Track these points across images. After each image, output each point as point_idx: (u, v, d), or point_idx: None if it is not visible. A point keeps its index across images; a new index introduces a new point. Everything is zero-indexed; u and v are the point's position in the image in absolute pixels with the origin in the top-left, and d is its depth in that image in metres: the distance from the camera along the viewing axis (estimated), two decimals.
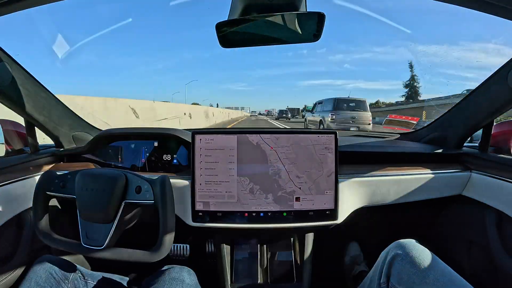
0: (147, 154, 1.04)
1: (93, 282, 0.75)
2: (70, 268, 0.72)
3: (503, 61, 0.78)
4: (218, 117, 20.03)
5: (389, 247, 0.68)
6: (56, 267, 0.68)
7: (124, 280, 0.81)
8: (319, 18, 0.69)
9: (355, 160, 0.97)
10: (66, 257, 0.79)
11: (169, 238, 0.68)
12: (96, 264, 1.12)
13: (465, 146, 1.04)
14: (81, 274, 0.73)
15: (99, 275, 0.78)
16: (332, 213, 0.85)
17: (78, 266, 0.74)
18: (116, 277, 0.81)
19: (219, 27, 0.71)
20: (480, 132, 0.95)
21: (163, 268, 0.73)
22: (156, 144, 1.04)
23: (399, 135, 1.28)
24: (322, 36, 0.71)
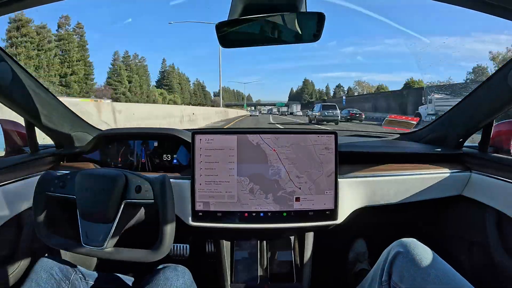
0: (147, 154, 1.04)
1: (94, 282, 0.75)
2: (70, 268, 0.72)
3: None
4: None
5: (390, 246, 0.68)
6: (56, 268, 0.68)
7: (124, 279, 0.81)
8: (319, 18, 0.69)
9: (355, 160, 0.97)
10: (66, 258, 0.79)
11: (169, 237, 0.68)
12: (97, 264, 1.12)
13: (465, 146, 1.04)
14: (82, 274, 0.73)
15: (100, 275, 0.78)
16: (332, 213, 0.85)
17: (78, 266, 0.74)
18: (116, 276, 0.81)
19: (219, 27, 0.71)
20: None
21: (159, 267, 0.73)
22: (156, 144, 1.04)
23: (399, 135, 1.28)
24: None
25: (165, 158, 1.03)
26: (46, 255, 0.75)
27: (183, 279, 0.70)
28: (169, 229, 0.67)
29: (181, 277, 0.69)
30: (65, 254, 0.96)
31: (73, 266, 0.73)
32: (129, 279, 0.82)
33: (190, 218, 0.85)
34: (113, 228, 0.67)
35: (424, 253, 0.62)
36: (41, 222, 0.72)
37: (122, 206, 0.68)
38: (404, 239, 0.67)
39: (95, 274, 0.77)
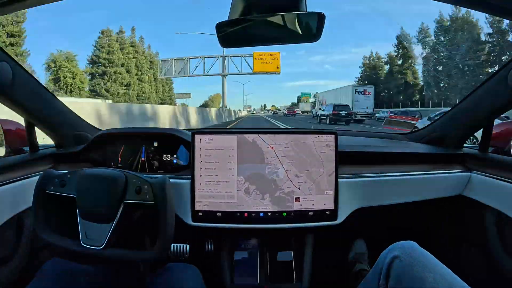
0: (147, 154, 1.03)
1: (98, 281, 0.75)
2: (75, 267, 0.72)
3: None
4: None
5: (388, 249, 0.68)
6: (61, 267, 0.68)
7: (126, 279, 0.81)
8: (319, 18, 0.69)
9: (355, 160, 0.97)
10: (68, 258, 0.79)
11: (168, 239, 0.68)
12: (97, 264, 1.12)
13: (465, 146, 1.04)
14: (86, 273, 0.73)
15: (101, 274, 0.78)
16: (332, 214, 0.85)
17: (81, 266, 0.75)
18: (120, 276, 0.81)
19: (219, 27, 0.71)
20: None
21: (168, 266, 0.73)
22: (156, 144, 1.04)
23: (399, 135, 1.28)
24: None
25: (165, 158, 1.03)
26: (52, 255, 0.74)
27: (193, 277, 0.70)
28: (168, 231, 0.67)
29: (191, 276, 0.70)
30: (66, 254, 0.96)
31: (78, 265, 0.73)
32: (133, 279, 0.82)
33: (190, 218, 0.85)
34: (113, 228, 0.67)
35: (421, 257, 0.61)
36: (40, 221, 0.72)
37: (122, 206, 0.68)
38: (401, 242, 0.66)
39: (98, 273, 0.77)
